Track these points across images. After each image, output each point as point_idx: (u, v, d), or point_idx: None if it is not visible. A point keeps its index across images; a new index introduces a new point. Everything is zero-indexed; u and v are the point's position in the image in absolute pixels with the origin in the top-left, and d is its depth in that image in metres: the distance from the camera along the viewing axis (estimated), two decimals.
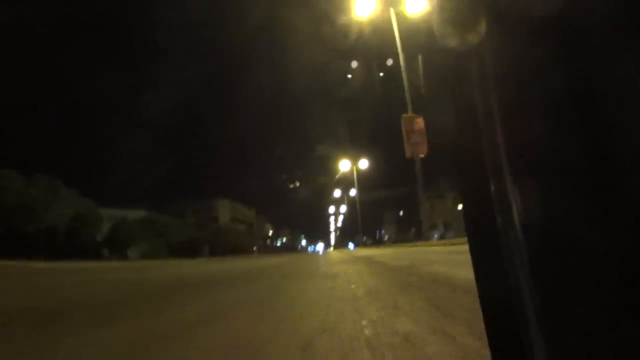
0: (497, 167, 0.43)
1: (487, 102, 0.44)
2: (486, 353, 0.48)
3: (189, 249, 28.00)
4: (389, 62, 17.86)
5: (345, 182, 49.66)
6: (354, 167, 42.20)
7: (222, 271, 9.31)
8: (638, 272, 0.36)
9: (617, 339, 0.37)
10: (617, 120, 0.37)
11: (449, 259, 6.80)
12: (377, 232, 76.38)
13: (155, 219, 26.75)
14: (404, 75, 15.53)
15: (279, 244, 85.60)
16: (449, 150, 0.52)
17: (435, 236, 51.45)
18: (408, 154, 14.53)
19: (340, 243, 74.23)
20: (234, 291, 4.50)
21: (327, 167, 47.81)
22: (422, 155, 14.94)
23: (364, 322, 2.06)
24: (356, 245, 55.08)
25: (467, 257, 0.48)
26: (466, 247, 0.49)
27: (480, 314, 0.46)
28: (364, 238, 71.27)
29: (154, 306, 3.43)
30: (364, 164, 42.43)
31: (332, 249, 70.04)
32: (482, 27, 0.43)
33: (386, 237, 68.13)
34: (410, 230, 61.69)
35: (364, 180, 45.63)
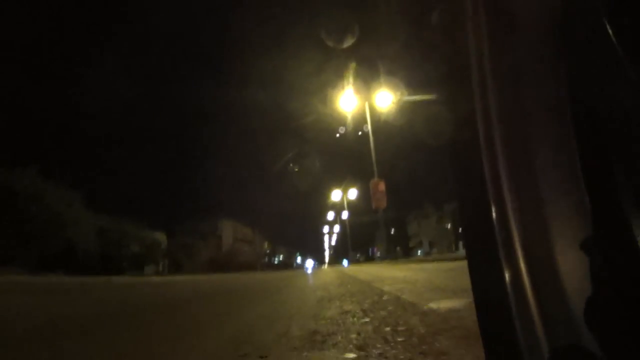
0: (495, 173, 0.44)
1: (485, 110, 0.45)
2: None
3: (211, 267, 36.05)
4: (366, 128, 26.68)
5: (338, 206, 57.44)
6: (344, 197, 50.38)
7: (264, 278, 17.44)
8: (637, 274, 0.36)
9: (614, 344, 0.38)
10: (616, 123, 0.38)
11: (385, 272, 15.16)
12: (370, 249, 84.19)
13: (189, 242, 35.08)
14: (372, 153, 24.25)
15: (276, 261, 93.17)
16: (447, 157, 0.54)
17: (419, 253, 59.32)
18: (374, 206, 23.06)
19: (334, 260, 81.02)
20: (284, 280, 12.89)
21: (322, 193, 55.69)
22: (383, 207, 23.52)
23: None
24: (350, 262, 61.67)
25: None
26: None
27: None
28: (357, 255, 78.74)
29: (276, 285, 11.76)
30: (353, 193, 50.64)
31: (326, 265, 76.48)
32: (483, 31, 0.45)
33: (378, 254, 75.69)
34: (396, 248, 69.69)
35: (357, 203, 53.45)
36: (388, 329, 2.35)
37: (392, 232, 78.34)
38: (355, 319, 2.90)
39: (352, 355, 1.81)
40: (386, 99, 23.91)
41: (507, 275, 0.43)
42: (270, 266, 78.82)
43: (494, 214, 0.44)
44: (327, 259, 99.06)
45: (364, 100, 25.81)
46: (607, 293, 0.38)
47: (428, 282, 5.56)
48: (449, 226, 60.02)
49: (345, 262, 57.54)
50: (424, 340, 1.97)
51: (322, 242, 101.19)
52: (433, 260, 22.68)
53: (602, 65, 0.38)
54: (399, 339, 2.04)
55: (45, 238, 17.44)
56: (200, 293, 8.17)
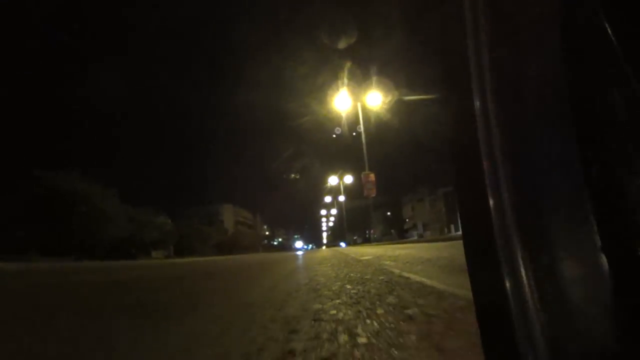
0: (494, 169, 0.45)
1: (484, 106, 0.46)
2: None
3: (217, 250, 41.49)
4: (360, 128, 31.54)
5: (335, 190, 62.18)
6: (341, 182, 55.21)
7: (277, 256, 22.60)
8: (636, 271, 0.37)
9: (615, 340, 0.38)
10: (613, 122, 0.39)
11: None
12: (367, 231, 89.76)
13: (201, 228, 40.39)
14: (364, 148, 29.17)
15: (275, 243, 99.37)
16: (446, 153, 0.55)
17: (415, 235, 64.43)
18: (365, 194, 28.19)
19: (332, 242, 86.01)
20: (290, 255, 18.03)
21: (319, 178, 60.42)
22: (373, 195, 28.68)
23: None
24: (347, 244, 66.23)
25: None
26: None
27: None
28: (355, 237, 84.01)
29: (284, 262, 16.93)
30: (349, 179, 55.46)
31: (324, 247, 79.96)
32: (482, 30, 0.46)
33: (374, 236, 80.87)
34: (391, 231, 75.00)
35: (354, 187, 58.12)
36: (342, 265, 7.31)
37: (389, 214, 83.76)
38: (332, 261, 7.94)
39: (330, 264, 6.87)
40: (377, 99, 28.63)
41: (507, 281, 0.44)
42: (271, 248, 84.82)
43: (493, 218, 0.46)
44: (325, 241, 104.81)
45: (357, 101, 30.57)
46: (611, 297, 0.39)
47: (377, 252, 10.61)
48: (442, 209, 64.86)
49: (342, 244, 61.81)
50: (347, 262, 7.02)
51: (320, 224, 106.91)
52: (415, 242, 27.89)
53: (603, 65, 0.39)
54: (342, 263, 7.06)
55: (94, 231, 22.43)
56: (245, 264, 13.25)
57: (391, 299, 2.41)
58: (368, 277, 3.96)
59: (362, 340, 1.53)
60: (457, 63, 0.49)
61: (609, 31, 0.37)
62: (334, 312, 2.16)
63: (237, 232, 58.32)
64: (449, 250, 7.20)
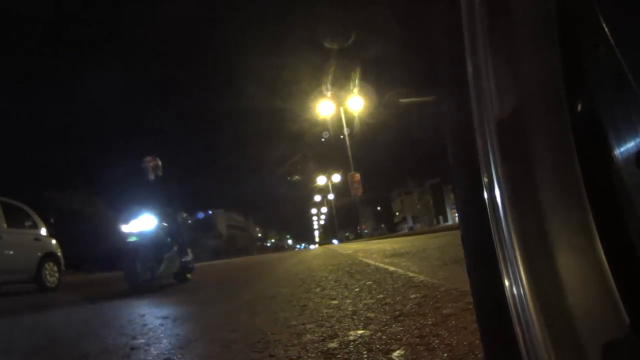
0: (492, 170, 0.47)
1: (481, 105, 0.48)
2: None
3: (216, 253, 44.16)
4: (346, 131, 34.39)
5: (324, 189, 64.53)
6: (329, 181, 57.88)
7: (278, 256, 25.32)
8: (636, 271, 0.37)
9: (616, 341, 0.39)
10: (612, 121, 0.39)
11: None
12: (358, 227, 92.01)
13: (197, 234, 43.03)
14: (348, 150, 32.11)
15: (269, 244, 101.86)
16: (443, 150, 0.56)
17: (406, 228, 67.11)
18: (352, 193, 31.17)
19: (324, 240, 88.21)
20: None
21: (308, 178, 62.82)
22: (359, 194, 31.70)
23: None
24: (339, 241, 67.73)
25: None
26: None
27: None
28: (347, 234, 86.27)
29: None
30: (336, 177, 58.10)
31: (317, 245, 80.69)
32: (479, 30, 0.47)
33: (365, 231, 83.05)
34: (381, 225, 77.70)
35: (342, 185, 60.44)
36: (331, 259, 10.26)
37: (379, 209, 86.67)
38: (324, 256, 10.92)
39: (322, 261, 9.87)
40: (359, 103, 31.34)
41: (506, 280, 0.45)
42: (264, 249, 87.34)
43: (491, 218, 0.47)
44: (317, 239, 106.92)
45: (340, 106, 33.36)
46: (610, 296, 0.39)
47: (361, 246, 13.56)
48: (430, 201, 67.56)
49: (335, 241, 63.41)
50: (333, 256, 10.05)
51: (311, 223, 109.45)
52: (402, 235, 30.74)
53: (602, 64, 0.39)
54: (329, 257, 10.05)
55: (101, 245, 24.93)
56: (260, 261, 16.10)
57: (347, 269, 5.36)
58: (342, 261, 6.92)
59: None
60: (454, 63, 0.51)
61: (607, 31, 0.37)
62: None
63: (231, 236, 61.04)
64: (413, 242, 10.26)
